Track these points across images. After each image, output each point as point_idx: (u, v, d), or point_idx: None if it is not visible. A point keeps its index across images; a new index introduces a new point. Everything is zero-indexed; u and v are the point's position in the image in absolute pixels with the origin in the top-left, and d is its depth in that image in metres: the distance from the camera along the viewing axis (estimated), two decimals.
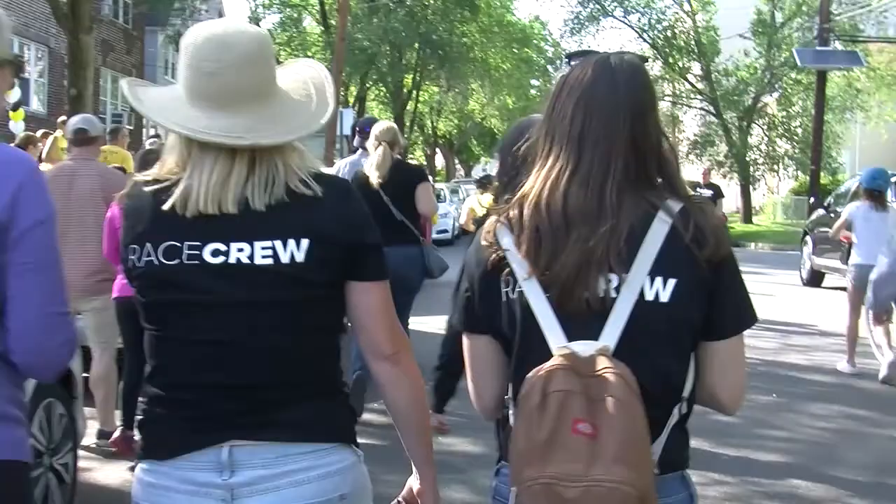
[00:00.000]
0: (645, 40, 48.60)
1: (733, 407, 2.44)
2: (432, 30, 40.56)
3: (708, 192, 19.22)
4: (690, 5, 47.45)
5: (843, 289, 13.21)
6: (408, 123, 50.38)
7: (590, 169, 2.30)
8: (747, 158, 46.26)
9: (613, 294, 2.23)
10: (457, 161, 69.03)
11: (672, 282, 2.24)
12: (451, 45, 41.72)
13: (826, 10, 32.12)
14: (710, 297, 2.27)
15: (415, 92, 49.91)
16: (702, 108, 50.80)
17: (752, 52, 47.03)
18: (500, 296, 2.36)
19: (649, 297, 2.23)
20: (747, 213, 45.10)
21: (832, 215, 17.86)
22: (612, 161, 2.28)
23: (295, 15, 46.96)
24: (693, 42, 47.45)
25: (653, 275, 2.23)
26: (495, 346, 2.42)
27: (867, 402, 9.58)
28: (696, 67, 49.15)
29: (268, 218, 2.35)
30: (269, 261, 2.34)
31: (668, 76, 49.69)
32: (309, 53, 41.21)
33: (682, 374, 2.30)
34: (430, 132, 66.45)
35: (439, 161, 74.61)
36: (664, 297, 2.23)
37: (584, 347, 2.18)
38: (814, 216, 21.73)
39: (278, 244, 2.35)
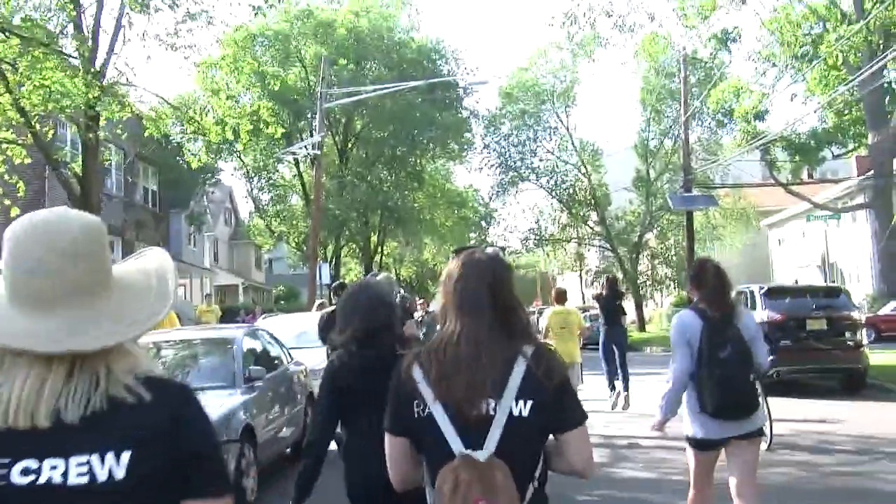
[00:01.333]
0: (553, 197, 56.60)
1: (588, 472, 3.26)
2: (389, 198, 44.54)
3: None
4: (586, 168, 54.35)
5: None
6: (376, 271, 55.91)
7: (471, 328, 3.17)
8: (638, 282, 52.49)
9: (492, 412, 3.04)
10: (418, 298, 72.68)
11: (530, 402, 3.06)
12: (405, 209, 45.79)
13: (688, 166, 37.74)
14: (559, 407, 3.12)
15: (380, 247, 54.83)
16: (600, 246, 57.32)
17: (635, 201, 53.92)
18: (414, 413, 3.13)
19: (515, 413, 3.04)
20: (641, 324, 50.30)
21: None
22: (483, 321, 3.16)
23: (282, 193, 51.68)
24: (590, 196, 54.14)
25: (517, 398, 3.06)
26: (407, 444, 3.24)
27: None
28: (594, 215, 55.46)
29: (85, 430, 2.03)
30: (85, 479, 2.00)
31: (573, 223, 57.42)
32: (295, 222, 47.35)
33: (537, 461, 3.16)
34: (396, 277, 70.91)
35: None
36: (525, 413, 3.05)
37: (477, 452, 2.99)
38: None
39: (95, 459, 2.02)
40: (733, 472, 6.47)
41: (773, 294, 20.11)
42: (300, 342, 14.98)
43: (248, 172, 48.72)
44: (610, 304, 17.76)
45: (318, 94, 34.10)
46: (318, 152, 33.88)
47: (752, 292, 19.99)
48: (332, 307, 12.73)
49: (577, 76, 54.91)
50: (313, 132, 35.68)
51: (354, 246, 54.86)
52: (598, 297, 20.09)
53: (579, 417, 3.19)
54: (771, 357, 16.09)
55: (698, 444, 6.45)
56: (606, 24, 52.12)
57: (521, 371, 3.09)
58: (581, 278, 69.54)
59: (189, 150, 28.36)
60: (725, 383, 6.21)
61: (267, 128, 27.59)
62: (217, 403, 9.25)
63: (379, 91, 37.14)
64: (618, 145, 60.01)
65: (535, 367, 3.09)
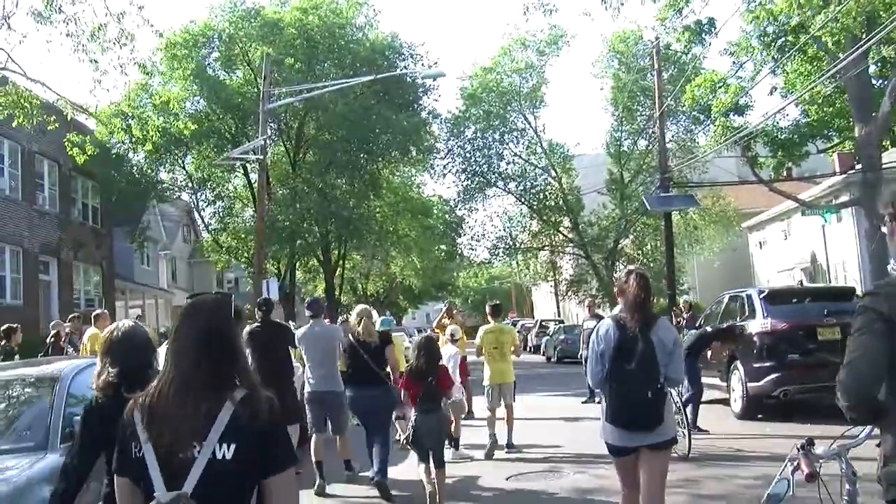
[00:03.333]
0: (523, 202, 54.73)
1: None
2: (343, 207, 41.22)
3: (593, 322, 19.18)
4: (556, 171, 52.86)
5: None
6: (338, 287, 53.49)
7: (182, 374, 3.41)
8: (614, 290, 49.34)
9: (196, 455, 3.27)
10: (388, 313, 70.46)
11: (234, 446, 3.31)
12: (361, 219, 42.49)
13: (665, 163, 35.71)
14: (263, 452, 3.35)
15: (341, 261, 51.95)
16: (574, 253, 55.27)
17: (609, 205, 52.05)
18: (132, 454, 3.39)
19: (218, 456, 3.28)
20: None
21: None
22: (195, 368, 3.40)
23: (230, 206, 48.51)
24: (561, 201, 52.63)
25: (221, 441, 3.29)
26: (129, 484, 3.46)
27: None
28: (566, 221, 53.68)
29: None
30: None
31: (544, 230, 55.36)
32: (244, 237, 44.01)
33: None
34: (362, 293, 70.21)
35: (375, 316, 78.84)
36: (228, 455, 3.29)
37: (166, 496, 3.22)
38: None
39: None
40: (643, 479, 6.75)
41: (776, 298, 17.82)
42: None
43: (192, 183, 45.61)
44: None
45: (261, 93, 31.45)
46: (261, 157, 31.14)
47: (749, 297, 17.87)
48: (255, 324, 12.43)
49: (544, 76, 53.53)
50: (266, 141, 32.81)
51: (314, 261, 52.22)
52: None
53: (283, 462, 3.42)
54: (776, 374, 16.00)
55: (610, 450, 6.98)
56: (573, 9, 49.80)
57: (228, 415, 3.34)
58: (555, 288, 67.25)
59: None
60: (625, 397, 6.62)
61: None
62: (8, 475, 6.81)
63: (327, 89, 34.65)
64: (588, 147, 58.29)
65: (241, 412, 3.36)
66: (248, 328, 12.08)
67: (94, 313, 17.22)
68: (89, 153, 21.33)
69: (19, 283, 33.68)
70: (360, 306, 13.12)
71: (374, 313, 13.46)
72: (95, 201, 41.92)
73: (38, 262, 35.28)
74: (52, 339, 17.90)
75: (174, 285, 58.78)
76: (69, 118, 34.95)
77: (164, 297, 55.11)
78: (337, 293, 53.66)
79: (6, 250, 33.06)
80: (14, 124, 21.53)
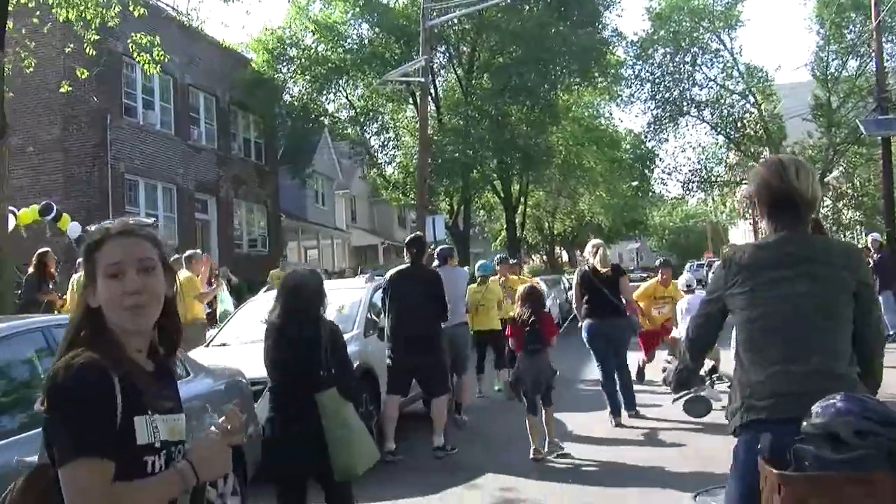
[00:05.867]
0: (719, 133, 50.69)
1: None
2: (518, 136, 38.58)
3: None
4: (755, 98, 48.79)
5: None
6: (520, 226, 51.02)
7: None
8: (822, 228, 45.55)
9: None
10: (578, 253, 68.53)
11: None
12: (539, 150, 39.60)
13: (882, 81, 32.23)
14: (46, 439, 2.60)
15: (522, 198, 50.06)
16: None
17: (815, 134, 47.61)
18: None
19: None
20: None
21: None
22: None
23: (396, 136, 45.79)
24: (761, 130, 48.64)
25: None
26: None
27: None
28: (766, 152, 47.80)
29: None
30: None
31: (742, 163, 50.93)
32: (410, 169, 40.91)
33: None
34: (548, 231, 68.90)
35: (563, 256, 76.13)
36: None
37: None
38: None
39: None
40: None
41: None
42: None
43: (356, 114, 42.69)
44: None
45: (421, 9, 28.63)
46: (422, 79, 28.37)
47: None
48: (402, 266, 12.03)
49: None
50: (428, 62, 30.09)
51: (492, 197, 49.63)
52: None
53: (60, 456, 2.52)
54: None
55: None
56: None
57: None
58: (754, 226, 62.69)
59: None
60: None
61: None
62: None
63: (491, 1, 31.03)
64: (791, 71, 53.43)
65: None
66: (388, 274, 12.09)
67: (185, 255, 14.95)
68: (159, 59, 18.08)
69: (173, 222, 32.37)
70: (596, 240, 13.93)
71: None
72: (258, 136, 40.20)
73: (194, 201, 33.97)
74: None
75: (354, 225, 57.57)
76: (224, 46, 33.97)
77: (342, 237, 53.78)
78: (520, 232, 51.36)
79: (158, 188, 31.96)
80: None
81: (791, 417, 3.71)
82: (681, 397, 11.27)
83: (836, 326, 4.03)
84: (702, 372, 11.41)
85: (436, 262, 13.47)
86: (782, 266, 4.09)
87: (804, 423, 3.63)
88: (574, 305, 13.90)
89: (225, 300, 18.42)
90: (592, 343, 12.60)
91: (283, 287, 6.63)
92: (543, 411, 10.46)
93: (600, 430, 12.09)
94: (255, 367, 8.99)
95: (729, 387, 4.60)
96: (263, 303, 13.40)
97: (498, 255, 19.47)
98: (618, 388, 12.52)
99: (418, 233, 14.61)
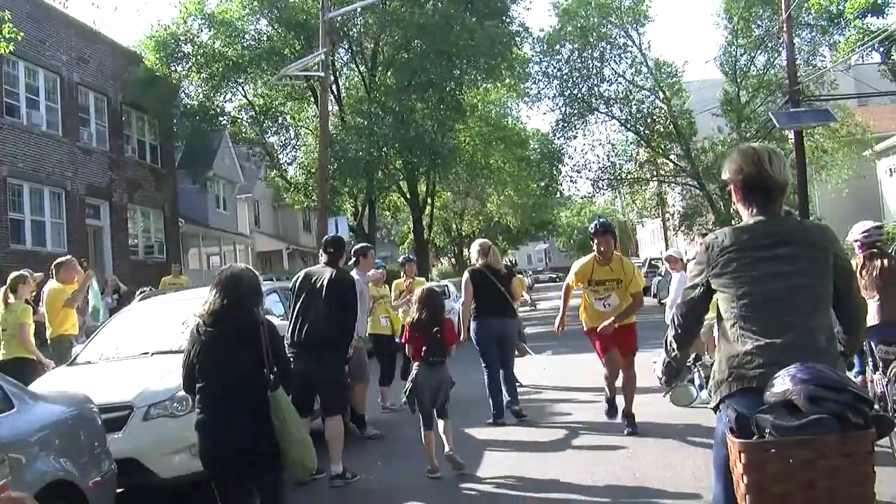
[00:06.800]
0: (628, 129, 49.85)
1: None
2: (423, 133, 36.90)
3: None
4: (664, 93, 48.16)
5: None
6: (427, 228, 49.92)
7: None
8: (732, 223, 45.30)
9: None
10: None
11: None
12: (446, 149, 38.22)
13: (793, 73, 31.64)
14: None
15: (429, 199, 49.26)
16: (686, 184, 50.54)
17: (724, 129, 47.54)
18: None
19: None
20: None
21: None
22: None
23: (296, 135, 44.20)
24: (671, 126, 48.03)
25: None
26: None
27: None
28: (676, 148, 49.33)
29: None
30: None
31: (652, 159, 50.63)
32: (312, 170, 39.87)
33: None
34: (456, 233, 68.27)
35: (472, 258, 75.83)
36: None
37: None
38: None
39: None
40: None
41: None
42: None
43: (255, 113, 40.88)
44: None
45: (321, 1, 27.29)
46: (322, 74, 27.00)
47: None
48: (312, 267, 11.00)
49: None
50: (327, 56, 28.66)
51: (398, 198, 48.45)
52: None
53: None
54: None
55: None
56: None
57: None
58: (664, 223, 62.30)
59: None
60: None
61: None
62: None
63: None
64: (699, 66, 53.24)
65: None
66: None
67: (55, 262, 13.38)
68: (11, 36, 16.35)
69: (62, 228, 30.62)
70: (482, 240, 13.73)
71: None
72: (153, 138, 38.37)
73: (84, 206, 32.10)
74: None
75: (257, 230, 55.99)
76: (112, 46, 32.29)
77: (245, 242, 52.24)
78: (427, 234, 50.12)
79: (44, 192, 30.02)
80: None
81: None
82: (670, 389, 10.98)
83: (815, 304, 4.28)
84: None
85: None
86: (762, 247, 4.34)
87: (766, 393, 3.98)
88: (460, 306, 14.00)
89: (95, 294, 16.50)
90: (482, 342, 12.47)
91: (220, 280, 6.30)
92: (440, 424, 9.77)
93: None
94: (121, 388, 8.59)
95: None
96: (137, 314, 12.06)
97: (402, 257, 18.63)
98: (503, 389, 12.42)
99: (339, 234, 13.85)
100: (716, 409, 4.38)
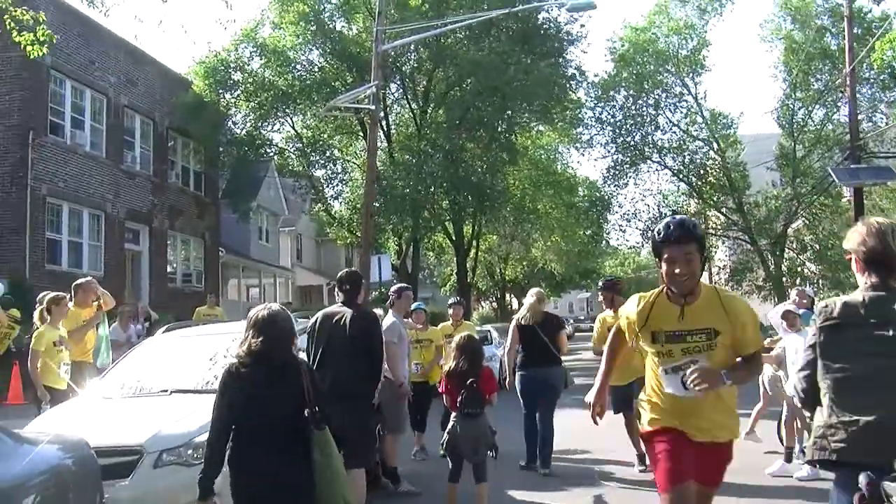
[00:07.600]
0: (681, 179, 49.09)
1: None
2: (472, 173, 36.25)
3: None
4: (718, 144, 47.23)
5: None
6: (471, 271, 49.35)
7: None
8: (783, 281, 44.92)
9: None
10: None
11: None
12: (495, 191, 37.30)
13: (856, 130, 31.06)
14: None
15: (475, 241, 48.27)
16: (737, 238, 49.56)
17: (778, 183, 46.84)
18: None
19: None
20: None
21: None
22: None
23: (343, 169, 42.92)
24: (724, 178, 47.09)
25: None
26: None
27: None
28: (728, 201, 48.38)
29: None
30: None
31: (703, 210, 49.01)
32: (357, 206, 38.89)
33: None
34: (500, 277, 67.36)
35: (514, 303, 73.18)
36: None
37: None
38: None
39: None
40: None
41: None
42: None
43: (303, 145, 40.17)
44: None
45: (374, 33, 26.66)
46: (372, 107, 26.32)
47: None
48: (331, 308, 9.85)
49: (705, 38, 47.28)
50: (379, 88, 27.92)
51: (443, 239, 47.45)
52: None
53: None
54: None
55: None
56: None
57: None
58: (710, 278, 61.08)
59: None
60: None
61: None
62: None
63: (453, 25, 29.36)
64: (755, 119, 52.50)
65: None
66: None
67: (74, 283, 12.73)
68: (44, 39, 15.44)
69: (100, 251, 30.19)
70: (537, 289, 13.59)
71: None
72: (198, 165, 38.16)
73: (124, 230, 31.81)
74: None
75: (299, 264, 55.60)
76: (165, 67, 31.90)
77: (286, 276, 51.78)
78: (470, 277, 49.40)
79: (84, 214, 29.65)
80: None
81: (865, 462, 4.05)
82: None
83: None
84: None
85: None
86: (865, 324, 4.37)
87: None
88: (505, 353, 14.10)
89: (102, 338, 14.06)
90: (525, 393, 12.50)
91: (256, 321, 6.17)
92: (477, 488, 9.44)
93: None
94: (132, 430, 7.92)
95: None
96: (160, 346, 11.25)
97: (451, 299, 17.44)
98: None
99: (353, 268, 12.67)
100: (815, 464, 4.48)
